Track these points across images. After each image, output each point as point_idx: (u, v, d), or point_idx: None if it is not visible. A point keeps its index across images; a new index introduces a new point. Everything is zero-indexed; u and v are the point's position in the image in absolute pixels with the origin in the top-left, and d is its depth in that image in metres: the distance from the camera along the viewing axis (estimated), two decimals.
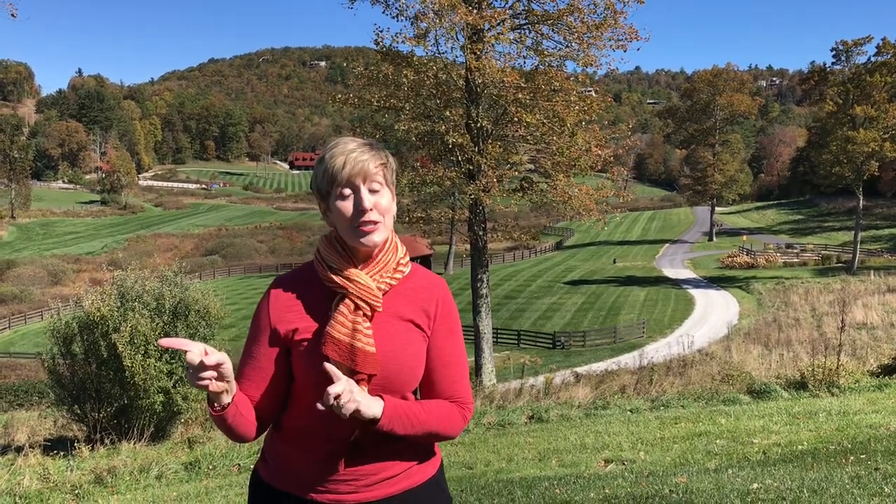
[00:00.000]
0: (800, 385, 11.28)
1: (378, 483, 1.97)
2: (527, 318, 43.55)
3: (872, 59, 53.49)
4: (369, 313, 1.94)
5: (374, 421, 1.89)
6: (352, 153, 1.92)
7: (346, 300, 1.94)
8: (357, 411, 1.83)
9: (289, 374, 2.02)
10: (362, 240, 1.93)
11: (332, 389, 1.80)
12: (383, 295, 1.99)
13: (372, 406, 1.87)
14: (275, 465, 2.05)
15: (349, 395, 1.82)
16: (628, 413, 10.67)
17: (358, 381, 1.90)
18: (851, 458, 6.07)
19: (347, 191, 1.92)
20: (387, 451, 1.98)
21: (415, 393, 2.09)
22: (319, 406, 1.80)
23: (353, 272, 1.96)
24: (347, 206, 1.92)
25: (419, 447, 2.05)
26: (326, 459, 1.96)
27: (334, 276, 1.96)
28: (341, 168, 1.91)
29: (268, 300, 2.04)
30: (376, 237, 1.94)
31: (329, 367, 1.84)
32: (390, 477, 1.99)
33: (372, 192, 1.93)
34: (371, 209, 1.91)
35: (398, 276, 2.02)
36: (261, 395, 2.01)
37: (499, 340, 34.74)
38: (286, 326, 1.99)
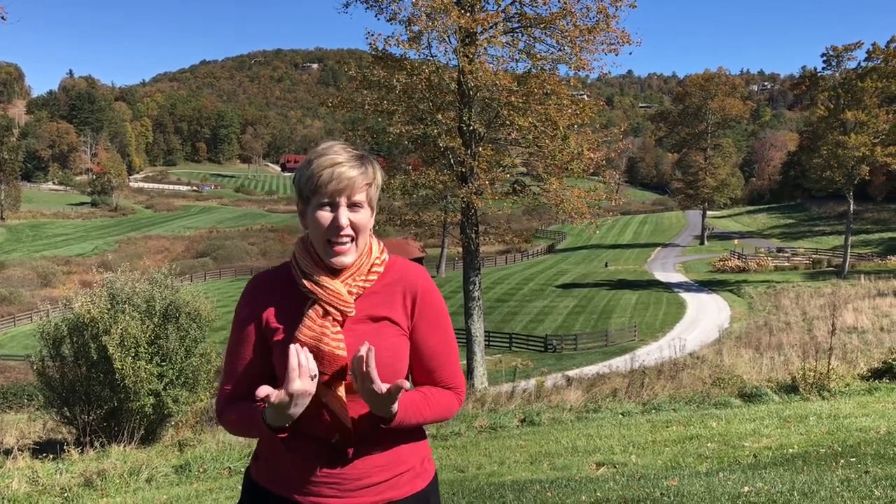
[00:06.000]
0: (790, 389, 11.31)
1: (361, 489, 1.96)
2: (518, 322, 43.59)
3: (862, 64, 53.78)
4: (339, 318, 1.95)
5: (388, 419, 1.91)
6: (339, 167, 1.91)
7: (316, 305, 1.95)
8: (375, 393, 1.83)
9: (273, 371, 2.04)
10: (332, 260, 1.95)
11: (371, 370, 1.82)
12: (357, 297, 1.99)
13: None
14: (264, 465, 2.06)
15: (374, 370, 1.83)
16: (620, 416, 10.67)
17: (330, 383, 1.91)
18: (842, 461, 6.08)
19: (325, 204, 1.93)
20: (373, 458, 1.98)
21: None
22: (361, 350, 1.82)
23: (325, 279, 1.96)
24: (324, 219, 1.92)
25: (410, 458, 2.04)
26: (310, 461, 1.96)
27: (306, 282, 1.97)
28: (327, 182, 1.91)
29: (247, 298, 2.08)
30: (346, 259, 1.96)
31: (292, 347, 1.85)
32: (374, 484, 1.97)
33: (353, 207, 1.94)
34: (346, 227, 1.92)
35: (373, 277, 2.03)
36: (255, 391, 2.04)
37: (490, 343, 34.75)
38: (266, 326, 2.02)
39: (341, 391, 1.92)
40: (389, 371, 1.97)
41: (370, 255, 2.04)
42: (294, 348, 1.84)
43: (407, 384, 1.83)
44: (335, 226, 1.91)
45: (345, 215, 1.92)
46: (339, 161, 1.92)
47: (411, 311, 2.03)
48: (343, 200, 1.92)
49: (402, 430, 1.97)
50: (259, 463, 2.09)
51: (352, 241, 1.95)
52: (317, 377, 1.86)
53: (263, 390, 1.81)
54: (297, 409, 1.84)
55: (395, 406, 1.88)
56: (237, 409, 2.01)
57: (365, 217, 1.96)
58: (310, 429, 1.94)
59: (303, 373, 1.82)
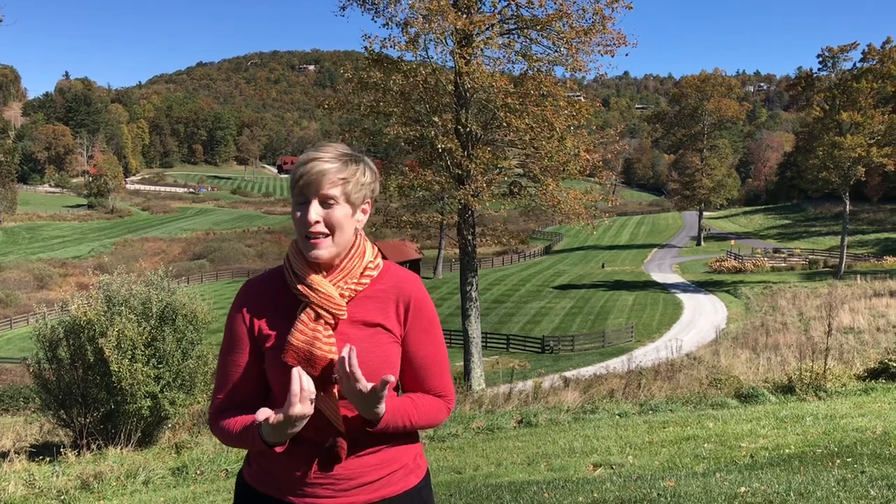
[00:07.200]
0: (787, 389, 11.32)
1: (355, 489, 1.97)
2: (516, 323, 43.57)
3: (858, 65, 53.89)
4: (331, 321, 1.95)
5: (374, 422, 1.92)
6: (313, 163, 1.92)
7: (308, 309, 1.95)
8: (360, 393, 1.84)
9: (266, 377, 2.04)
10: (308, 253, 1.95)
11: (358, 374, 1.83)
12: (349, 301, 1.99)
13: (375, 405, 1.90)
14: (257, 468, 2.06)
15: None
16: (617, 417, 10.67)
17: (323, 387, 1.92)
18: (838, 461, 6.09)
19: (301, 200, 1.94)
20: (365, 457, 1.99)
21: (397, 389, 2.10)
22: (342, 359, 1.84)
23: (316, 281, 1.96)
24: (299, 216, 1.94)
25: (402, 456, 2.05)
26: (304, 463, 1.96)
27: (298, 285, 1.97)
28: (298, 178, 1.93)
29: (239, 304, 2.06)
30: (321, 253, 1.94)
31: (294, 371, 1.85)
32: (368, 483, 1.98)
33: (326, 203, 1.93)
34: (317, 222, 1.92)
35: (365, 281, 2.02)
36: (249, 399, 2.04)
37: (488, 345, 34.73)
38: (258, 332, 2.01)
39: (333, 395, 1.93)
40: (380, 378, 1.98)
41: (363, 257, 2.03)
42: (296, 372, 1.85)
43: (392, 377, 1.83)
44: (304, 221, 1.92)
45: (315, 210, 1.92)
46: (317, 158, 1.93)
47: (404, 319, 2.03)
48: (314, 195, 1.92)
49: (390, 433, 1.98)
50: (252, 467, 2.08)
51: (327, 236, 1.94)
52: (315, 400, 1.86)
53: (262, 413, 1.83)
54: (294, 430, 1.86)
55: (382, 406, 1.89)
56: (232, 424, 2.00)
57: (340, 213, 1.94)
58: (303, 433, 1.94)
59: (303, 397, 1.82)
